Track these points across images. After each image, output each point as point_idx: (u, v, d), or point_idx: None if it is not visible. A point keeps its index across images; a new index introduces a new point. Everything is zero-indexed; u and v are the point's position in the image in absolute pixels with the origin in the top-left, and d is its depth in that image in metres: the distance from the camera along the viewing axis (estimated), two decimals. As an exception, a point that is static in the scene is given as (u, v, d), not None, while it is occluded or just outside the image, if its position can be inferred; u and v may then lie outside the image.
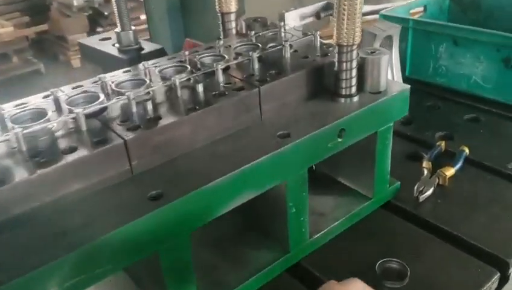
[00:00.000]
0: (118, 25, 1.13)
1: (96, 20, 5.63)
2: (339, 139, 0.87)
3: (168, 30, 2.33)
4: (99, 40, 1.21)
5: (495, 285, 0.86)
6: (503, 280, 0.89)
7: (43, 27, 5.64)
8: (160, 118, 0.79)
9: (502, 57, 1.37)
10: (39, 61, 5.38)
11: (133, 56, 1.12)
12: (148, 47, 1.15)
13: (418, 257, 0.92)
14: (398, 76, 1.42)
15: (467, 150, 1.18)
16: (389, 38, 1.43)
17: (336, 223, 0.98)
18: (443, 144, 1.22)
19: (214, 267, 0.89)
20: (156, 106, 0.82)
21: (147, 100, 0.82)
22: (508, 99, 1.39)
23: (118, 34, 1.13)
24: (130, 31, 1.13)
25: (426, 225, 1.00)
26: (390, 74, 1.32)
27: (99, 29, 5.51)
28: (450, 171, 1.11)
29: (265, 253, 0.91)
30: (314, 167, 1.01)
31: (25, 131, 0.70)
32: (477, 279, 0.85)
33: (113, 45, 1.16)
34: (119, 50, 1.13)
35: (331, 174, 1.11)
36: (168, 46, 2.33)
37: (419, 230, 0.98)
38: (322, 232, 0.96)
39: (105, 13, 5.50)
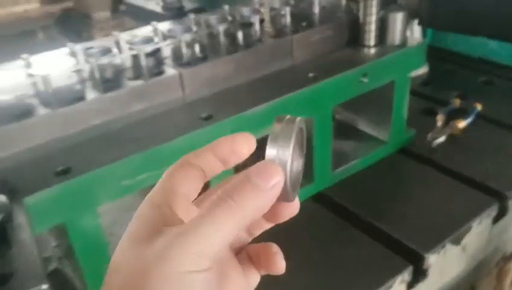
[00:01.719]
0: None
1: (119, -2, 5.76)
2: (364, 80, 0.98)
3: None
4: (144, -1, 1.34)
5: (494, 213, 0.98)
6: (502, 210, 1.00)
7: (68, 4, 5.79)
8: (206, 57, 0.91)
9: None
10: (64, 38, 5.55)
11: (176, 13, 1.23)
12: (189, 6, 1.27)
13: (427, 189, 1.04)
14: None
15: (479, 107, 1.27)
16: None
17: (356, 160, 1.10)
18: (458, 101, 1.32)
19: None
20: (203, 48, 0.94)
21: (195, 43, 0.94)
22: (522, 64, 1.47)
23: (161, -7, 1.26)
24: (174, -9, 1.25)
25: (436, 165, 1.11)
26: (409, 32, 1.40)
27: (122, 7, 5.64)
28: (462, 123, 1.21)
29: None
30: (335, 116, 1.13)
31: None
32: (477, 206, 0.97)
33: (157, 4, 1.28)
34: (163, 8, 1.26)
35: (351, 123, 1.22)
36: None
37: (430, 168, 1.10)
38: (344, 167, 1.08)
39: (129, -9, 5.62)
